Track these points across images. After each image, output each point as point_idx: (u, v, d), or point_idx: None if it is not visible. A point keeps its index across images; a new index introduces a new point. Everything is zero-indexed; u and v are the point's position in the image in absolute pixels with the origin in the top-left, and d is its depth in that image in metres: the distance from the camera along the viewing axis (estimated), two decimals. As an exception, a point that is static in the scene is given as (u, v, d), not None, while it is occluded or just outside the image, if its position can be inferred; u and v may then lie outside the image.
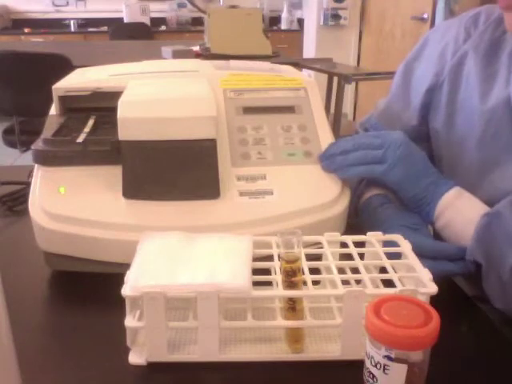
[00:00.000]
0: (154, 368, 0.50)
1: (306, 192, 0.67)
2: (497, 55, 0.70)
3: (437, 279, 0.61)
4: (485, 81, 0.69)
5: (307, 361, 0.52)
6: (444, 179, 0.66)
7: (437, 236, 0.67)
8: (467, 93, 0.71)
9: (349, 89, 4.22)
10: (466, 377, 0.51)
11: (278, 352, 0.52)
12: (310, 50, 4.62)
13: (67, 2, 5.56)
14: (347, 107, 4.52)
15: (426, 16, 3.63)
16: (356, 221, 0.73)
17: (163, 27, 5.54)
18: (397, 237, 0.59)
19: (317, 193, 0.67)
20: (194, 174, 0.64)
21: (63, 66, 2.20)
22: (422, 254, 0.61)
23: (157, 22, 5.45)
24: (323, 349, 0.53)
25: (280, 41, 4.76)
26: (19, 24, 5.31)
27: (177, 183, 0.64)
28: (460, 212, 0.63)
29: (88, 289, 0.62)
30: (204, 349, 0.50)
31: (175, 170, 0.64)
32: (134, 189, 0.64)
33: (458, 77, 0.73)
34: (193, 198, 0.64)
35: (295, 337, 0.52)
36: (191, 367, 0.50)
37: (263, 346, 0.53)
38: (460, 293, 0.65)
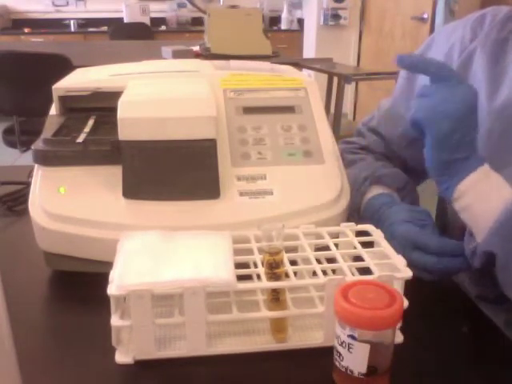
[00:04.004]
0: (142, 365, 0.51)
1: (305, 192, 0.67)
2: (504, 54, 0.70)
3: (440, 276, 0.61)
4: (492, 80, 0.69)
5: (292, 349, 0.53)
6: (475, 155, 0.59)
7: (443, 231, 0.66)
8: None
9: (349, 89, 4.23)
10: (466, 377, 0.51)
11: (263, 343, 0.54)
12: (310, 50, 4.62)
13: (67, 2, 5.55)
14: (347, 107, 4.52)
15: (425, 16, 3.63)
16: (359, 219, 0.73)
17: (163, 27, 5.53)
18: (368, 226, 0.62)
19: (317, 193, 0.67)
20: (194, 174, 0.64)
21: (63, 66, 2.20)
22: (426, 251, 0.61)
23: (157, 21, 5.44)
24: (306, 337, 0.55)
25: (280, 41, 4.75)
26: (19, 24, 5.30)
27: (177, 183, 0.64)
28: (480, 198, 0.57)
29: (88, 289, 0.62)
30: (192, 343, 0.51)
31: (175, 170, 0.64)
32: (134, 189, 0.64)
33: (465, 76, 0.73)
34: (193, 198, 0.64)
35: (279, 327, 0.54)
36: (178, 362, 0.51)
37: (248, 338, 0.54)
38: (461, 293, 0.65)
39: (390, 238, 0.60)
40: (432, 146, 0.58)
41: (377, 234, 0.60)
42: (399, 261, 0.54)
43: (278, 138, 0.70)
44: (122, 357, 0.51)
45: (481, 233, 0.56)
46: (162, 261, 0.52)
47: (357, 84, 4.37)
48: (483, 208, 0.57)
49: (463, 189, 0.58)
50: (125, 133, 0.63)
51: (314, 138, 0.71)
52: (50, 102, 0.74)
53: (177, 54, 2.57)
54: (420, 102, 0.59)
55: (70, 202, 0.64)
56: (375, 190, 0.73)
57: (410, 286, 0.53)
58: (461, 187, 0.58)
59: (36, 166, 0.67)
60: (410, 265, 0.54)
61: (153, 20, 5.39)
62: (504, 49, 0.71)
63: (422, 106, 0.59)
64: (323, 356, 0.51)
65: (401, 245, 0.60)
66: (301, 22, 5.12)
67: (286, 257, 0.54)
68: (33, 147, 0.65)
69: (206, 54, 2.64)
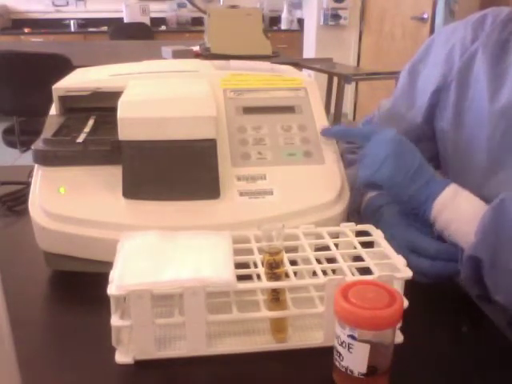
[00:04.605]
0: (142, 365, 0.51)
1: (305, 192, 0.67)
2: (505, 55, 0.70)
3: (435, 280, 0.61)
4: (494, 80, 0.69)
5: (292, 349, 0.53)
6: (438, 178, 0.64)
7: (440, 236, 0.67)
8: (476, 92, 0.71)
9: (349, 89, 4.23)
10: (466, 377, 0.51)
11: (263, 343, 0.54)
12: (310, 50, 4.63)
13: (67, 2, 5.55)
14: (347, 107, 4.52)
15: (425, 16, 3.64)
16: (359, 219, 0.73)
17: (163, 27, 5.53)
18: (368, 226, 0.62)
19: (317, 193, 0.67)
20: (194, 174, 0.64)
21: (63, 66, 2.19)
22: (422, 253, 0.61)
23: (157, 21, 5.44)
24: (306, 337, 0.55)
25: (280, 41, 4.75)
26: (19, 24, 5.30)
27: (177, 183, 0.64)
28: (458, 212, 0.61)
29: (88, 289, 0.62)
30: (192, 343, 0.51)
31: (175, 170, 0.64)
32: (134, 189, 0.64)
33: (467, 77, 0.73)
34: (193, 198, 0.64)
35: (279, 327, 0.54)
36: (178, 362, 0.51)
37: (248, 338, 0.54)
38: (461, 293, 0.65)
39: (390, 238, 0.60)
40: (389, 193, 0.66)
41: (377, 234, 0.60)
42: (399, 261, 0.54)
43: (277, 138, 0.70)
44: (122, 357, 0.51)
45: (466, 243, 0.58)
46: (161, 261, 0.52)
47: (357, 84, 4.37)
48: (462, 221, 0.60)
49: (438, 210, 0.61)
50: (125, 133, 0.63)
51: (314, 138, 0.71)
52: (50, 101, 0.74)
53: (177, 54, 2.57)
54: (360, 168, 0.67)
55: (69, 202, 0.64)
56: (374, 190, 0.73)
57: (410, 286, 0.53)
58: (435, 210, 0.61)
59: (36, 166, 0.67)
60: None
61: (153, 20, 5.39)
62: (505, 50, 0.70)
63: (362, 170, 0.66)
64: (323, 356, 0.51)
65: (399, 247, 0.60)
66: (301, 21, 5.12)
67: (285, 257, 0.54)
68: (33, 147, 0.65)
69: (206, 54, 2.64)
